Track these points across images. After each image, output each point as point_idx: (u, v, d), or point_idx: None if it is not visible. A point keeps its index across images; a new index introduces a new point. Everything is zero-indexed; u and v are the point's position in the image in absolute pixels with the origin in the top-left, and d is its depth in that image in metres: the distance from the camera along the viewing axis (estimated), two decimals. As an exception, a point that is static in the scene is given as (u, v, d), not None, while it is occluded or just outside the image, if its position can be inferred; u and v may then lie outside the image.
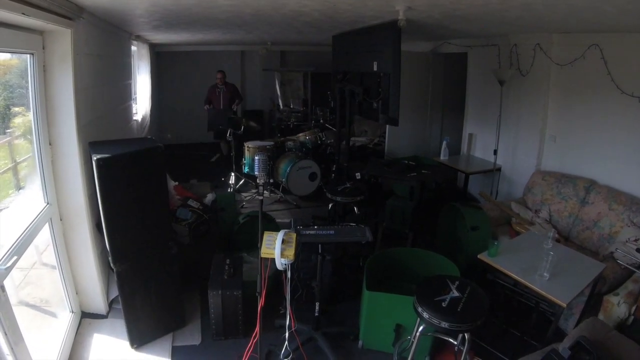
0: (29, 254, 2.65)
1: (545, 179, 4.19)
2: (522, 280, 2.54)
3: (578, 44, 3.90)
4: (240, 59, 9.11)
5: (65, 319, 2.94)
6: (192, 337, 3.07)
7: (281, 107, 8.89)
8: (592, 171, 3.94)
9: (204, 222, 3.65)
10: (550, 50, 4.22)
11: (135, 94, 5.60)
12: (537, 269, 2.54)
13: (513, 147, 4.83)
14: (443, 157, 5.42)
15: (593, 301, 2.86)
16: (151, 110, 6.94)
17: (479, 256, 2.82)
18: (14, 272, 2.09)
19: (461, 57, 5.72)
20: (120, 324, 2.95)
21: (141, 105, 5.94)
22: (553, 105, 4.38)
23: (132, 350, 2.87)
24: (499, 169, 4.98)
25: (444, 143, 5.46)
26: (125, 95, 4.64)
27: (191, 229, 3.53)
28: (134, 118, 5.35)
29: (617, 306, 2.69)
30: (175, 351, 2.91)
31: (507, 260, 2.74)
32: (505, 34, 4.56)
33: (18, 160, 2.78)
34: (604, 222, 3.55)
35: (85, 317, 3.11)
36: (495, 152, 4.80)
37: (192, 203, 3.76)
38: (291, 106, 8.79)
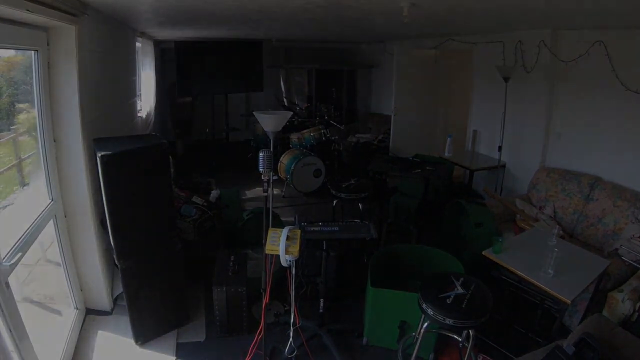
0: (34, 250, 2.65)
1: (549, 175, 4.18)
2: (527, 277, 2.54)
3: (582, 40, 3.87)
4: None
5: (69, 316, 2.95)
6: (196, 333, 3.08)
7: (285, 103, 8.88)
8: (596, 168, 3.93)
9: (208, 218, 3.65)
10: (554, 47, 4.20)
11: (139, 90, 5.61)
12: (542, 265, 2.53)
13: (517, 143, 4.81)
14: (447, 153, 5.40)
15: (597, 298, 2.85)
16: (155, 107, 6.94)
17: (483, 253, 2.81)
18: (18, 268, 2.09)
19: (466, 54, 5.68)
20: (124, 321, 2.96)
21: (145, 102, 5.94)
22: (557, 102, 4.36)
23: (137, 347, 2.88)
24: (504, 166, 4.96)
25: (449, 139, 5.44)
26: (129, 92, 4.64)
27: (196, 225, 3.54)
28: (139, 114, 5.35)
29: (621, 303, 2.68)
30: (179, 348, 2.92)
31: (512, 256, 2.74)
32: (510, 30, 4.53)
33: (22, 157, 2.77)
34: (608, 219, 3.54)
35: (90, 314, 3.12)
36: (499, 148, 4.77)
37: (197, 200, 3.76)
38: (295, 103, 8.77)
